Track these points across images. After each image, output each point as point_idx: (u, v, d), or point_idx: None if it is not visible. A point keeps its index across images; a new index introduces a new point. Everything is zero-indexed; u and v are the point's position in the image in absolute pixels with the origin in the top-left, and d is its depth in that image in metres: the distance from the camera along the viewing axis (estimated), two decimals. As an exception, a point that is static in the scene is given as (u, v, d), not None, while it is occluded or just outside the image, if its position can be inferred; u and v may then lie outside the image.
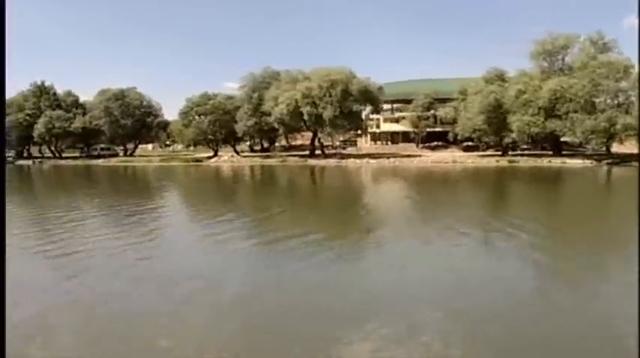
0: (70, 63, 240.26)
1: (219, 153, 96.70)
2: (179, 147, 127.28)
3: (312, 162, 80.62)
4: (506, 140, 74.87)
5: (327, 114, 78.62)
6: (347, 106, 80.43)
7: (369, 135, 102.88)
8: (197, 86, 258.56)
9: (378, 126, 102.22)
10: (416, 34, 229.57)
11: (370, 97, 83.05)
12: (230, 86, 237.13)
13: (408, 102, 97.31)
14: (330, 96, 78.99)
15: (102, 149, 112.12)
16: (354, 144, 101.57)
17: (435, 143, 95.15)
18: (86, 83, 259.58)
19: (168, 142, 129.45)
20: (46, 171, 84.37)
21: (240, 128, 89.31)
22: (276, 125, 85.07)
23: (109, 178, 63.68)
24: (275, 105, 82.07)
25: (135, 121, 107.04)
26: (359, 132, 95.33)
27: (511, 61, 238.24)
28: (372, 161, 77.00)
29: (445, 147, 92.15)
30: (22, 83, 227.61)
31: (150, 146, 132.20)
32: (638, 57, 68.85)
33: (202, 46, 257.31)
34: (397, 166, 70.65)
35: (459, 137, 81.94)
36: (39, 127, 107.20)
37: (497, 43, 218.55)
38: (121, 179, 62.79)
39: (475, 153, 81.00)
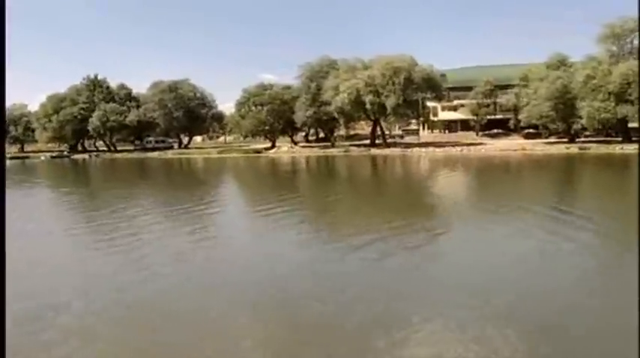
0: (108, 54, 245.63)
1: (277, 144, 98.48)
2: (229, 138, 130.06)
3: (375, 151, 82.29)
4: (575, 126, 75.17)
5: (390, 102, 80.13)
6: (410, 95, 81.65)
7: (425, 124, 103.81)
8: (232, 78, 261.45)
9: (435, 115, 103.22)
10: (469, 21, 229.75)
11: (433, 85, 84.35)
12: (267, 77, 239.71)
13: (466, 89, 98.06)
14: (393, 84, 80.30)
15: (156, 142, 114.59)
16: (411, 133, 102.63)
17: (495, 130, 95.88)
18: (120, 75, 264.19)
19: (216, 134, 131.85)
20: (106, 164, 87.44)
21: (299, 118, 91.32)
22: (335, 114, 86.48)
23: (177, 171, 66.36)
24: (335, 95, 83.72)
25: (189, 113, 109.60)
26: (420, 120, 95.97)
27: (572, 45, 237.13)
28: (437, 150, 78.29)
29: (506, 134, 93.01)
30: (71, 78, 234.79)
31: (199, 138, 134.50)
32: (639, 56, 69.48)
33: (236, 38, 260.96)
34: (465, 155, 71.64)
35: (522, 124, 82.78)
36: (94, 121, 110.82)
37: (557, 27, 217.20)
38: (191, 172, 65.27)
39: (538, 141, 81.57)
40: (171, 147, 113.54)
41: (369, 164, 64.87)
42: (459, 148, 78.21)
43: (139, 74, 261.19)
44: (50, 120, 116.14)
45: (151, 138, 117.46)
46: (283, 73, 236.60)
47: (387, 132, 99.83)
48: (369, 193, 35.46)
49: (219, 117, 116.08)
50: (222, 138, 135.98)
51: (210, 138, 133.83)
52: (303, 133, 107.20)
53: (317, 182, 47.15)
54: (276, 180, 48.78)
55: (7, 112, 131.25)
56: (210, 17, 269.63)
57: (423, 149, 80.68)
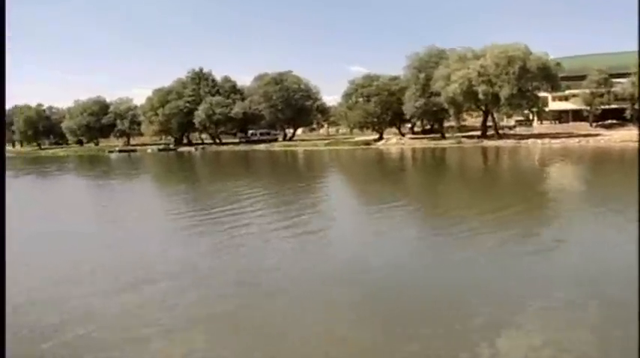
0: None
1: (384, 136, 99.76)
2: (331, 130, 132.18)
3: (488, 143, 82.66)
4: None
5: (504, 93, 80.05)
6: (524, 84, 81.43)
7: (536, 115, 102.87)
8: (321, 71, 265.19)
9: (545, 105, 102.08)
10: (577, 8, 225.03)
11: (548, 74, 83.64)
12: (356, 70, 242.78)
13: (578, 78, 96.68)
14: (507, 74, 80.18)
15: (261, 134, 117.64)
16: (522, 124, 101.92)
17: (610, 121, 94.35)
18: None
19: (315, 126, 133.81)
20: (216, 157, 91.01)
21: (408, 109, 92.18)
22: (446, 105, 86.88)
23: (292, 164, 68.81)
24: (446, 85, 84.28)
25: (294, 105, 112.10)
26: (534, 111, 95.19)
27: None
28: (553, 141, 77.89)
29: (621, 125, 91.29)
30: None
31: (299, 130, 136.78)
32: (639, 55, 68.17)
33: (324, 30, 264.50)
34: (584, 146, 70.95)
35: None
36: (199, 114, 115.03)
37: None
38: (308, 165, 67.03)
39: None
40: (276, 140, 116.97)
41: (487, 156, 65.49)
42: (575, 139, 77.65)
43: (233, 68, 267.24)
44: (156, 114, 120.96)
45: (255, 131, 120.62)
46: (373, 65, 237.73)
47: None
48: (499, 188, 35.17)
49: (323, 109, 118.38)
50: (322, 131, 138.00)
51: (311, 131, 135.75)
52: (409, 125, 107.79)
53: (441, 175, 47.31)
54: (399, 174, 49.25)
55: (112, 107, 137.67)
56: (298, 9, 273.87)
57: (539, 140, 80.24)
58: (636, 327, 9.51)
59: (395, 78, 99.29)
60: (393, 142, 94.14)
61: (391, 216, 23.42)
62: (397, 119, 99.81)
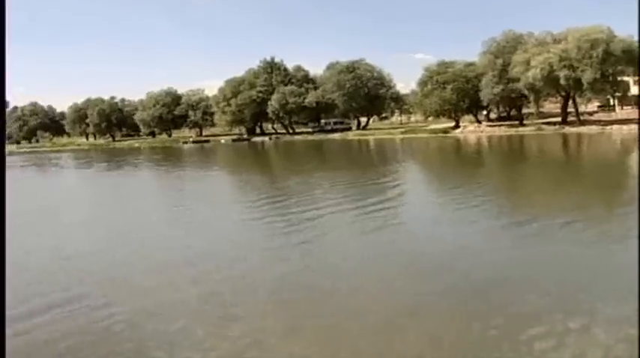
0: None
1: (461, 124, 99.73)
2: (399, 118, 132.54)
3: (570, 129, 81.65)
4: None
5: (587, 77, 79.02)
6: (607, 69, 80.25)
7: (616, 100, 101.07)
8: (386, 58, 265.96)
9: (627, 90, 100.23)
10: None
11: (632, 58, 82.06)
12: (420, 57, 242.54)
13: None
14: (590, 57, 79.15)
15: (334, 123, 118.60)
16: (602, 109, 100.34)
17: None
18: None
19: (386, 115, 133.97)
20: (290, 147, 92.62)
21: (485, 96, 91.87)
22: (525, 91, 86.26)
23: (375, 153, 68.84)
24: (525, 70, 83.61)
25: (367, 94, 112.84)
26: (616, 96, 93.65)
27: None
28: (639, 126, 76.21)
29: None
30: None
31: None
32: (638, 54, 63.94)
33: (387, 18, 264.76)
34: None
35: None
36: (273, 103, 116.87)
37: None
38: (391, 153, 67.46)
39: None
40: (349, 129, 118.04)
41: (571, 143, 64.29)
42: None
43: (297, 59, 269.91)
44: (229, 104, 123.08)
45: (328, 120, 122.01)
46: (437, 53, 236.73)
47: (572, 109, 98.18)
48: (593, 177, 32.50)
49: (397, 98, 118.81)
50: (393, 119, 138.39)
51: (380, 119, 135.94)
52: (485, 112, 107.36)
53: (531, 165, 45.81)
54: (490, 165, 48.05)
55: (184, 98, 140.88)
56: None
57: (624, 126, 78.50)
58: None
59: (470, 64, 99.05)
60: (471, 130, 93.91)
61: (485, 208, 22.42)
62: (473, 106, 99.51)
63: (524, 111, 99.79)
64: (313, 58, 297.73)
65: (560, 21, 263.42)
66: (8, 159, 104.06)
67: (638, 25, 69.17)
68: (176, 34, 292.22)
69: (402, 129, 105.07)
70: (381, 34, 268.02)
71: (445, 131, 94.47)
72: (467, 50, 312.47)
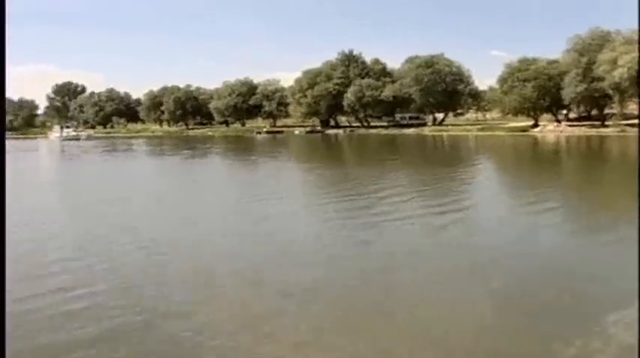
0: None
1: (540, 122, 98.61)
2: (474, 115, 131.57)
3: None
4: None
5: (677, 78, 77.22)
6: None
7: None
8: (462, 56, 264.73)
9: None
10: None
11: None
12: (496, 54, 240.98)
13: None
14: (681, 58, 77.37)
15: (410, 118, 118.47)
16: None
17: None
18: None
19: (462, 111, 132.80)
20: (365, 140, 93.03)
21: (567, 94, 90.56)
22: (610, 91, 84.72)
23: (453, 150, 68.25)
24: (612, 69, 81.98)
25: (445, 89, 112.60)
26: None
27: None
28: None
29: None
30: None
31: (441, 115, 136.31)
32: (639, 54, 60.88)
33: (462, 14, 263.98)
34: None
35: None
36: (349, 96, 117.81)
37: None
38: (471, 151, 67.38)
39: None
40: (425, 124, 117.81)
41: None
42: None
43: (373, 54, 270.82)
44: (305, 95, 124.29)
45: (403, 115, 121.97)
46: (515, 50, 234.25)
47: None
48: None
49: (475, 94, 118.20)
50: (468, 115, 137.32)
51: (455, 116, 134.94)
52: (564, 111, 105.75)
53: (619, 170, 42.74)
54: (576, 170, 46.17)
55: (260, 88, 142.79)
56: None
57: None
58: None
59: (553, 62, 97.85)
60: (550, 129, 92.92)
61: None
62: (554, 105, 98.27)
63: (606, 111, 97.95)
64: (389, 54, 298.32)
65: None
66: (92, 143, 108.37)
67: (639, 25, 67.99)
68: (250, 25, 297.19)
69: (479, 127, 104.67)
70: (457, 30, 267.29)
71: (524, 129, 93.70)
72: (545, 48, 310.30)
